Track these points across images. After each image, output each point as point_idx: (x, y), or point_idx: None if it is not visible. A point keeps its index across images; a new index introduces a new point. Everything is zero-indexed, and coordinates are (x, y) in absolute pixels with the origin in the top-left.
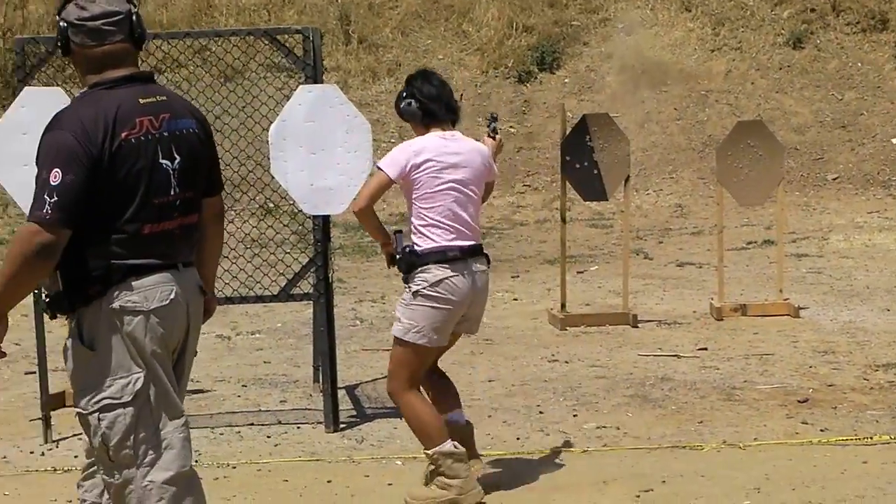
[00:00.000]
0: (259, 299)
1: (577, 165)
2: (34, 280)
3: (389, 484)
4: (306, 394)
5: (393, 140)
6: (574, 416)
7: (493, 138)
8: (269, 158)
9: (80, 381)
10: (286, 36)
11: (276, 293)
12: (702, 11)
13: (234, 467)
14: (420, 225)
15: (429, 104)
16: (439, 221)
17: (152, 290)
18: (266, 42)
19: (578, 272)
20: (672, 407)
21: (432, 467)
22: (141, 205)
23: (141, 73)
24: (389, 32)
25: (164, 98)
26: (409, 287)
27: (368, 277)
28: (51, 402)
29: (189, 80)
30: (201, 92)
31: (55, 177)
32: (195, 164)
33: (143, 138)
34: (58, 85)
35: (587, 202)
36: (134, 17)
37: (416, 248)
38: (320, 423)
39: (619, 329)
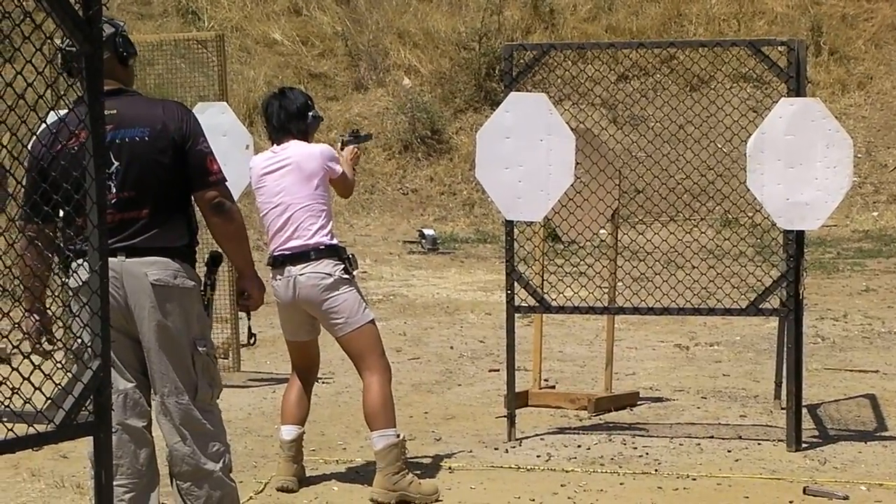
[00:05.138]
0: (727, 312)
1: None
2: None
3: None
4: (766, 410)
5: (859, 156)
6: None
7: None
8: (729, 169)
9: None
10: (768, 47)
11: (743, 307)
12: None
13: (694, 479)
14: None
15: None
16: (267, 230)
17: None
18: (735, 52)
19: None
20: None
21: None
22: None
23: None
24: (862, 44)
25: (113, 112)
26: None
27: (830, 295)
28: (516, 400)
29: (655, 90)
30: (666, 102)
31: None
32: (138, 167)
33: (76, 147)
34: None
35: None
36: (119, 38)
37: None
38: (781, 440)
39: None
